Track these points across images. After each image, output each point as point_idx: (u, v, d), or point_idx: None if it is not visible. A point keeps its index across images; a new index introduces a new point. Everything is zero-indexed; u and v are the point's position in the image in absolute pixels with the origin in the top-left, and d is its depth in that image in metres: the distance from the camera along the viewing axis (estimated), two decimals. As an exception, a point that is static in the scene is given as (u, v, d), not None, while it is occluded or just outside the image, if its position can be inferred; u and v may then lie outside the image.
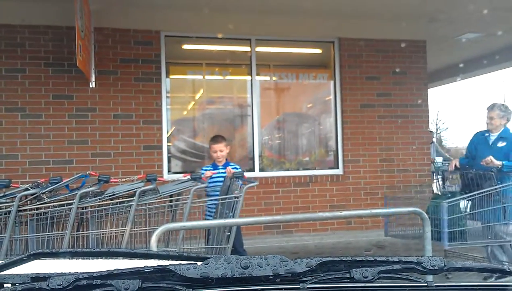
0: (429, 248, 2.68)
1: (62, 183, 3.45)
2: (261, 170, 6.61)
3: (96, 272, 0.79)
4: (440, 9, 5.74)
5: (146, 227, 3.43)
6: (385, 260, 0.84)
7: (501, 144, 4.31)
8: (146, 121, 6.11)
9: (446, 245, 3.72)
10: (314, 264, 0.80)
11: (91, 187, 3.46)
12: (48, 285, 0.76)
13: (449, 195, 4.07)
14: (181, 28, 6.27)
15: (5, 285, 0.81)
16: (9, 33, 5.73)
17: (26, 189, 3.41)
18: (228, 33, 6.40)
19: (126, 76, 6.06)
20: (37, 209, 3.34)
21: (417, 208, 3.00)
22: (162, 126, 6.19)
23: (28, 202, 3.43)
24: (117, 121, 6.01)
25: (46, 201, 3.33)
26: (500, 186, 3.90)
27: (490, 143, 4.38)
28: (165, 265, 0.80)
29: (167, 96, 6.36)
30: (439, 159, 7.36)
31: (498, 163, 4.01)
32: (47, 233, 3.26)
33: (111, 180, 3.54)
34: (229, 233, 3.46)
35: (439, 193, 4.34)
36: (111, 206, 3.36)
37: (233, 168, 4.16)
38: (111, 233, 3.33)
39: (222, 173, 4.15)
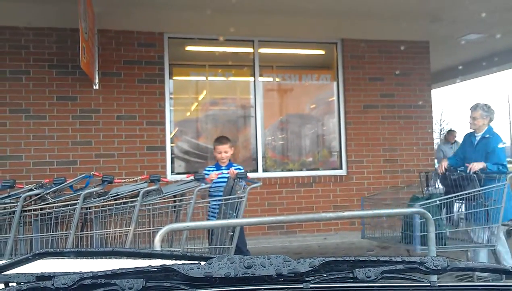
0: (433, 249, 2.67)
1: (66, 183, 3.47)
2: (264, 170, 6.61)
3: (101, 271, 0.79)
4: (443, 10, 5.73)
5: (149, 227, 3.43)
6: (388, 260, 0.84)
7: (482, 143, 4.32)
8: (149, 122, 6.12)
9: (417, 249, 3.59)
10: (317, 264, 0.81)
11: (95, 187, 3.48)
12: (53, 284, 0.76)
13: (428, 197, 3.99)
14: (184, 30, 6.29)
15: (10, 284, 0.82)
16: (14, 35, 5.76)
17: (31, 190, 3.42)
18: (231, 35, 6.41)
19: (129, 77, 6.08)
20: (41, 209, 3.36)
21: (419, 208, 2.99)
22: (165, 127, 6.21)
23: (33, 202, 3.44)
24: (120, 123, 6.03)
25: (50, 201, 3.34)
26: (479, 189, 3.82)
27: (475, 144, 4.40)
28: (168, 265, 0.81)
29: (170, 98, 6.37)
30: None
31: (480, 166, 4.01)
32: (51, 233, 3.27)
33: (115, 181, 3.55)
34: (232, 233, 3.46)
35: (418, 195, 4.29)
36: (114, 206, 3.37)
37: (236, 169, 4.16)
38: (115, 233, 3.34)
39: (225, 173, 4.15)
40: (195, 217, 3.67)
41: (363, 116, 6.85)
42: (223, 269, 0.79)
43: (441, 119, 48.68)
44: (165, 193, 3.56)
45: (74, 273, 0.80)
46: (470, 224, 3.91)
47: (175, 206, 3.64)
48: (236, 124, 6.99)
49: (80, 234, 3.38)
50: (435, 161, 7.36)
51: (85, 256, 1.25)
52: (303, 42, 6.88)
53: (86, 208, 3.37)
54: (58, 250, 0.91)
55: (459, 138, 7.93)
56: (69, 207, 3.32)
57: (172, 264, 0.80)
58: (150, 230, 3.42)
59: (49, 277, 0.80)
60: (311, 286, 0.81)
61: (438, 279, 0.90)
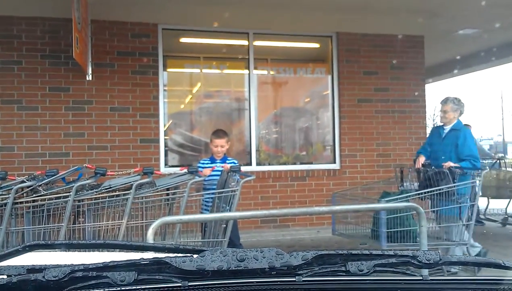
0: (425, 243, 2.69)
1: (58, 175, 3.45)
2: (258, 164, 6.61)
3: (92, 264, 0.79)
4: (438, 5, 5.74)
5: (142, 220, 3.43)
6: (381, 253, 0.85)
7: (451, 136, 4.35)
8: (143, 114, 6.09)
9: (383, 245, 3.58)
10: (310, 257, 0.81)
11: (87, 179, 3.46)
12: (43, 277, 0.75)
13: (399, 193, 3.98)
14: (179, 21, 6.24)
15: (0, 277, 0.81)
16: (6, 25, 5.68)
17: (22, 181, 3.40)
18: (226, 27, 6.38)
19: (123, 69, 6.03)
20: (33, 201, 3.34)
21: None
22: (159, 119, 6.18)
23: (25, 195, 3.42)
24: (113, 114, 5.99)
25: (42, 193, 3.32)
26: (451, 185, 3.79)
27: (443, 136, 4.43)
28: (161, 257, 0.80)
29: (164, 90, 6.34)
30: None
31: (455, 165, 4.03)
32: (43, 226, 3.26)
33: (108, 173, 3.53)
34: (225, 225, 3.46)
35: (388, 191, 4.29)
36: (107, 199, 3.35)
37: (230, 163, 4.16)
38: (107, 226, 3.33)
39: (219, 167, 4.14)
40: (188, 210, 3.66)
41: (357, 110, 6.86)
42: (215, 262, 0.79)
43: (434, 114, 48.93)
44: (159, 186, 3.55)
45: (65, 265, 0.79)
46: (442, 221, 3.89)
47: (168, 199, 3.63)
48: (230, 117, 6.98)
49: (73, 227, 3.36)
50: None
51: (76, 249, 1.24)
52: (298, 35, 6.86)
53: (79, 201, 3.36)
54: (49, 242, 0.90)
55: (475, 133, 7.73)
56: (62, 199, 3.30)
57: (165, 257, 0.80)
58: (143, 223, 3.41)
59: (40, 269, 0.80)
60: (303, 279, 0.81)
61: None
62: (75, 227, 3.38)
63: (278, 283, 0.81)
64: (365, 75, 6.92)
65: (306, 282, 0.81)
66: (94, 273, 0.77)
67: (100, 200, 3.36)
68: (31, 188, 3.37)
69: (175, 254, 0.84)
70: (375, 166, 6.86)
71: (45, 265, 0.83)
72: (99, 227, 3.34)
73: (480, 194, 6.46)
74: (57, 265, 0.81)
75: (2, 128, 5.66)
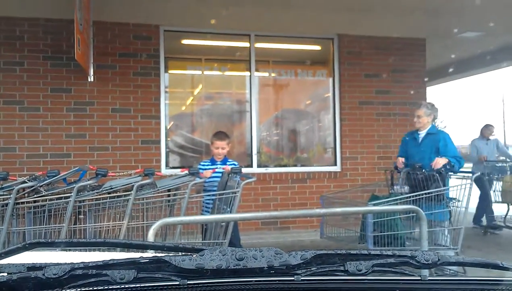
0: (425, 244, 2.69)
1: (59, 176, 3.46)
2: (259, 166, 6.62)
3: (92, 262, 0.79)
4: (440, 7, 5.73)
5: (143, 221, 3.43)
6: (379, 253, 0.85)
7: (428, 140, 4.35)
8: (144, 116, 6.10)
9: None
10: (309, 257, 0.81)
11: (88, 180, 3.46)
12: (43, 274, 0.76)
13: (387, 196, 3.94)
14: (181, 23, 6.26)
15: (1, 274, 0.81)
16: (8, 26, 5.71)
17: (24, 182, 3.41)
18: (228, 29, 6.39)
19: (124, 70, 6.05)
20: (35, 201, 3.34)
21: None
22: (160, 121, 6.19)
23: (26, 195, 3.43)
24: (115, 116, 6.00)
25: (43, 194, 3.33)
26: (440, 189, 3.74)
27: (419, 141, 4.43)
28: (160, 256, 0.81)
29: (165, 91, 6.35)
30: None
31: (445, 160, 4.02)
32: (44, 226, 3.26)
33: (109, 174, 3.54)
34: (224, 224, 3.46)
35: (377, 194, 4.25)
36: (108, 200, 3.36)
37: (231, 165, 4.16)
38: (108, 227, 3.34)
39: (220, 169, 4.15)
40: (189, 211, 3.67)
41: (358, 112, 6.86)
42: (214, 261, 0.79)
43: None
44: (159, 187, 3.55)
45: (65, 263, 0.80)
46: (430, 225, 3.81)
47: (169, 200, 3.64)
48: (231, 119, 6.98)
49: (73, 227, 3.37)
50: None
51: (76, 247, 1.25)
52: (300, 37, 6.87)
53: (80, 201, 3.36)
54: (49, 240, 0.90)
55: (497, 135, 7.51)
56: (63, 200, 3.31)
57: (164, 256, 0.81)
58: (143, 224, 3.42)
59: (40, 267, 0.80)
60: (302, 278, 0.81)
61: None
62: (76, 227, 3.38)
63: (277, 282, 0.81)
64: (366, 78, 6.92)
65: (305, 282, 0.81)
66: (94, 271, 0.78)
67: (101, 201, 3.37)
68: (32, 188, 3.38)
69: (175, 253, 0.85)
70: (376, 169, 6.85)
71: (46, 263, 0.84)
72: (100, 227, 3.35)
73: (500, 199, 6.43)
74: (57, 263, 0.82)
75: (4, 129, 5.67)
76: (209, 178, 4.00)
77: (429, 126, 4.45)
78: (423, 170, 3.95)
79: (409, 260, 0.83)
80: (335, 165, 6.85)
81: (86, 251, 1.45)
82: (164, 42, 6.29)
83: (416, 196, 3.73)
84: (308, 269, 0.82)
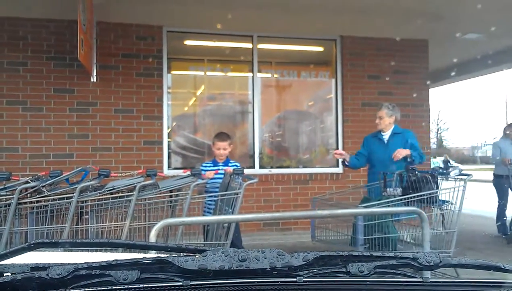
0: (427, 248, 2.69)
1: (62, 176, 3.47)
2: (261, 167, 6.62)
3: (95, 262, 0.80)
4: (442, 8, 5.73)
5: (145, 221, 3.44)
6: (381, 255, 0.85)
7: (396, 140, 4.39)
8: (147, 116, 6.11)
9: None
10: (311, 258, 0.81)
11: (91, 181, 3.47)
12: (47, 274, 0.76)
13: (379, 198, 3.89)
14: (184, 23, 6.27)
15: (5, 274, 0.82)
16: (12, 26, 5.73)
17: (26, 182, 3.42)
18: (230, 30, 6.40)
19: (127, 71, 6.07)
20: (37, 202, 3.36)
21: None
22: (163, 121, 6.20)
23: (28, 195, 3.44)
24: (118, 116, 6.02)
25: (46, 194, 3.34)
26: (432, 192, 3.69)
27: (386, 142, 4.45)
28: (163, 257, 0.81)
29: (168, 92, 6.36)
30: None
31: (406, 151, 4.07)
32: (46, 226, 3.27)
33: (111, 174, 3.55)
34: (224, 226, 3.47)
35: (368, 197, 4.22)
36: (110, 200, 3.37)
37: (233, 166, 4.16)
38: (110, 227, 3.35)
39: (221, 170, 4.15)
40: (191, 212, 3.68)
41: (361, 114, 6.86)
42: (217, 262, 0.80)
43: (438, 119, 48.91)
44: (162, 188, 3.56)
45: (69, 264, 0.80)
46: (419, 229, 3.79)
47: (171, 201, 3.64)
48: (234, 120, 6.99)
49: (76, 228, 3.38)
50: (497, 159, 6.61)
51: (80, 247, 1.26)
52: (303, 38, 6.87)
53: (82, 202, 3.37)
54: (53, 240, 0.91)
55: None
56: (65, 200, 3.32)
57: (167, 256, 0.81)
58: (145, 224, 3.42)
59: (44, 267, 0.80)
60: (304, 279, 0.81)
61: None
62: (78, 228, 3.39)
63: (279, 283, 0.82)
64: (369, 79, 6.92)
65: (307, 283, 0.82)
66: (97, 271, 0.78)
67: (104, 201, 3.38)
68: (35, 188, 3.39)
69: (178, 254, 0.85)
70: (378, 170, 6.84)
71: (49, 263, 0.84)
72: (102, 228, 3.36)
73: None
74: (61, 263, 0.82)
75: (6, 129, 5.69)
76: (211, 179, 4.01)
77: (393, 127, 4.50)
78: (416, 172, 3.93)
79: (411, 261, 0.84)
80: (337, 166, 6.84)
81: (89, 251, 1.46)
82: (167, 42, 6.31)
83: (408, 198, 3.70)
84: (310, 271, 0.82)
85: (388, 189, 4.06)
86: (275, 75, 7.05)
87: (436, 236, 3.70)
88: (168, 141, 6.35)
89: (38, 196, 3.39)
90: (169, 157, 6.33)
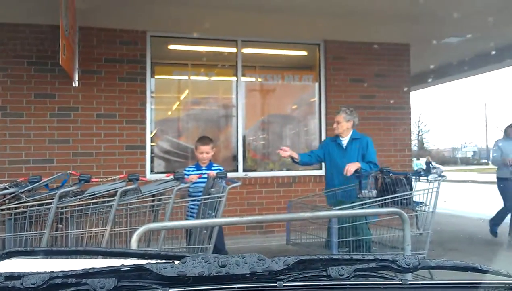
0: (409, 248, 2.71)
1: (41, 182, 3.39)
2: (244, 170, 6.61)
3: (71, 270, 0.78)
4: (424, 13, 5.83)
5: (127, 227, 3.39)
6: (361, 258, 0.86)
7: (354, 146, 4.38)
8: (129, 121, 6.06)
9: None
10: (291, 262, 0.81)
11: (71, 186, 3.41)
12: (21, 284, 0.74)
13: (353, 201, 3.89)
14: (167, 28, 6.24)
15: (-23, 284, 0.80)
16: (-10, 30, 5.62)
17: (5, 188, 3.34)
18: (214, 34, 6.40)
19: (110, 75, 6.01)
20: (16, 208, 3.28)
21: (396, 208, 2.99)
22: (146, 126, 6.15)
23: (6, 201, 3.36)
24: (100, 121, 5.95)
25: (24, 200, 3.27)
26: (407, 193, 3.69)
27: (344, 147, 4.43)
28: (141, 264, 0.80)
29: (151, 97, 6.32)
30: None
31: (356, 165, 4.06)
32: (25, 233, 3.20)
33: (92, 180, 3.49)
34: (205, 231, 3.44)
35: (342, 199, 4.24)
36: (91, 206, 3.31)
37: (216, 170, 4.15)
38: (90, 233, 3.29)
39: (205, 174, 4.13)
40: (173, 216, 3.64)
41: (343, 117, 6.90)
42: (197, 268, 0.79)
43: (419, 121, 49.64)
44: (144, 192, 3.52)
45: (44, 272, 0.78)
46: (395, 230, 3.74)
47: (153, 206, 3.60)
48: (218, 124, 6.97)
49: (55, 234, 3.31)
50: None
51: (56, 255, 1.23)
52: (286, 43, 6.91)
53: (62, 207, 3.31)
54: (28, 249, 0.89)
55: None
56: (44, 206, 3.25)
57: (145, 263, 0.80)
58: (127, 229, 3.38)
59: (18, 276, 0.78)
60: (284, 284, 0.81)
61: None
62: (57, 234, 3.33)
63: (259, 288, 0.81)
64: (352, 83, 6.99)
65: (287, 287, 0.81)
66: (73, 280, 0.77)
67: (84, 207, 3.32)
68: (14, 194, 3.32)
69: (157, 260, 0.84)
70: (362, 173, 6.90)
71: (24, 272, 0.82)
72: (82, 234, 3.30)
73: None
74: (36, 272, 0.80)
75: (-15, 135, 5.57)
76: (194, 183, 3.98)
77: (351, 132, 4.44)
78: (390, 174, 3.94)
79: (390, 264, 0.84)
80: (321, 169, 6.87)
81: (66, 258, 1.43)
82: (151, 47, 6.27)
83: (383, 200, 3.73)
84: (291, 275, 0.82)
85: (363, 191, 4.06)
86: (259, 80, 7.07)
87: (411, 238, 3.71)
88: (151, 145, 6.29)
89: (16, 202, 3.31)
90: (152, 161, 6.28)
